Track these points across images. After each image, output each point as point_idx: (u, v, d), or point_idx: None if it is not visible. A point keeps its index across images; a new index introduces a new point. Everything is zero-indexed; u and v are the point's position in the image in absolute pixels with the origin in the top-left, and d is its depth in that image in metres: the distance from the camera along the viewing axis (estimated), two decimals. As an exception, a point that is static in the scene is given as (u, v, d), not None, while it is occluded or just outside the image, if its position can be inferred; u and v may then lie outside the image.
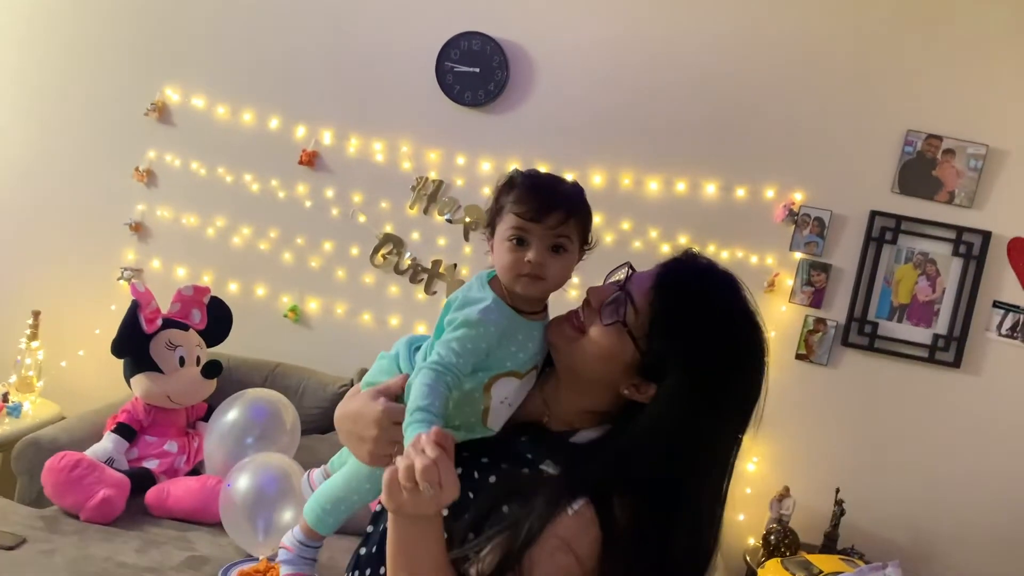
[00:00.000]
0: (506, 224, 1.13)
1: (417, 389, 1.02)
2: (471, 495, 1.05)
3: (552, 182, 1.16)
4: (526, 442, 1.12)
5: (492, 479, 1.09)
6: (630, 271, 1.14)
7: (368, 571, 1.14)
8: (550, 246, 1.12)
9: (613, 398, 1.10)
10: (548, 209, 1.11)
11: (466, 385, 1.10)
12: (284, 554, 1.29)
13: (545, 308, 1.20)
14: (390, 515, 0.99)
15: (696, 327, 1.05)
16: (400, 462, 0.92)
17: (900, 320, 3.17)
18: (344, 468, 1.25)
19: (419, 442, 0.92)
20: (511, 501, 1.02)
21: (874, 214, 3.14)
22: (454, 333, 1.09)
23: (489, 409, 1.13)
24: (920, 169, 3.12)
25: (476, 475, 1.10)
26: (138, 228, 3.48)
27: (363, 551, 1.18)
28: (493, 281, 1.16)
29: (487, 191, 3.09)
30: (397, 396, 1.11)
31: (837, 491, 3.06)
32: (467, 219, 3.32)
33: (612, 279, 1.15)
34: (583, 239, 1.17)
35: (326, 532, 1.27)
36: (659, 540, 1.01)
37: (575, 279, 1.18)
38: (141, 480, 2.75)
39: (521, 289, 1.12)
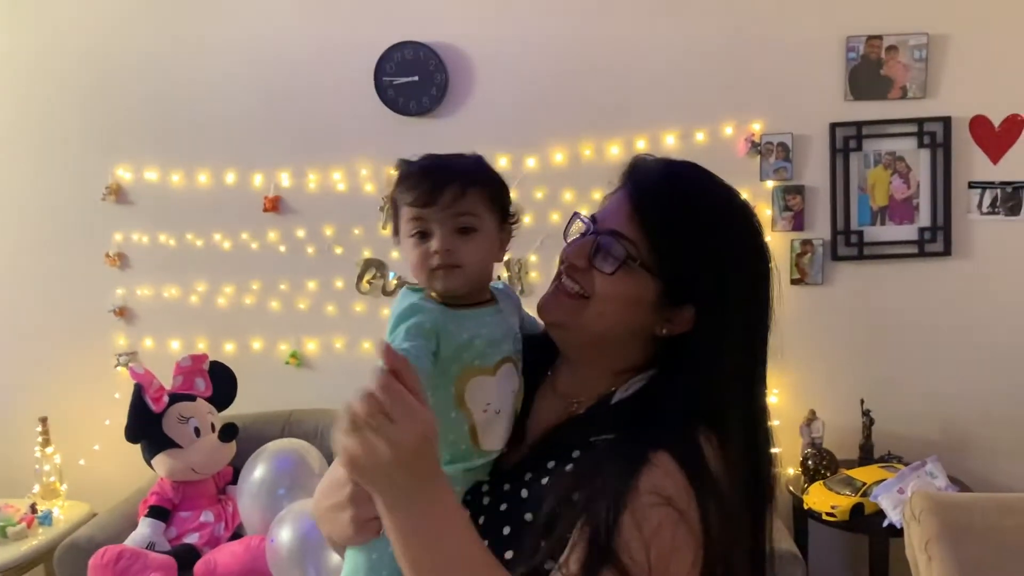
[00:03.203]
0: (404, 219, 1.01)
1: None
2: (528, 517, 0.93)
3: (441, 160, 1.04)
4: (561, 434, 1.00)
5: (544, 481, 0.95)
6: (587, 216, 1.04)
7: None
8: (454, 228, 0.99)
9: (648, 344, 1.00)
10: (440, 187, 0.98)
11: (436, 399, 0.93)
12: None
13: (493, 296, 1.07)
14: (384, 514, 0.82)
15: (697, 218, 0.97)
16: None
17: (883, 223, 3.19)
18: None
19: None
20: (577, 488, 0.89)
21: (834, 126, 3.15)
22: (394, 334, 0.94)
23: (476, 425, 0.98)
24: (868, 72, 3.13)
25: (525, 493, 0.96)
26: (123, 312, 3.46)
27: None
28: (426, 293, 1.03)
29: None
30: None
31: (862, 402, 3.09)
32: (441, 226, 3.32)
33: (573, 236, 1.05)
34: (499, 212, 1.04)
35: None
36: (747, 463, 0.94)
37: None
38: (186, 557, 2.75)
39: (440, 285, 0.99)
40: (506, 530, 0.94)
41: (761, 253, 1.01)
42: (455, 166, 1.01)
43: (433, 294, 1.01)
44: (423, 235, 0.99)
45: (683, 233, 0.96)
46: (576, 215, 1.05)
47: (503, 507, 0.97)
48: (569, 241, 1.05)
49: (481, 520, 0.97)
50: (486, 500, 0.99)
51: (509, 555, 0.90)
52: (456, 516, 0.84)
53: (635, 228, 0.96)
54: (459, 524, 0.84)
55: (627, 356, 1.01)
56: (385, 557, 0.92)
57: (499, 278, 1.09)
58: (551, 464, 0.96)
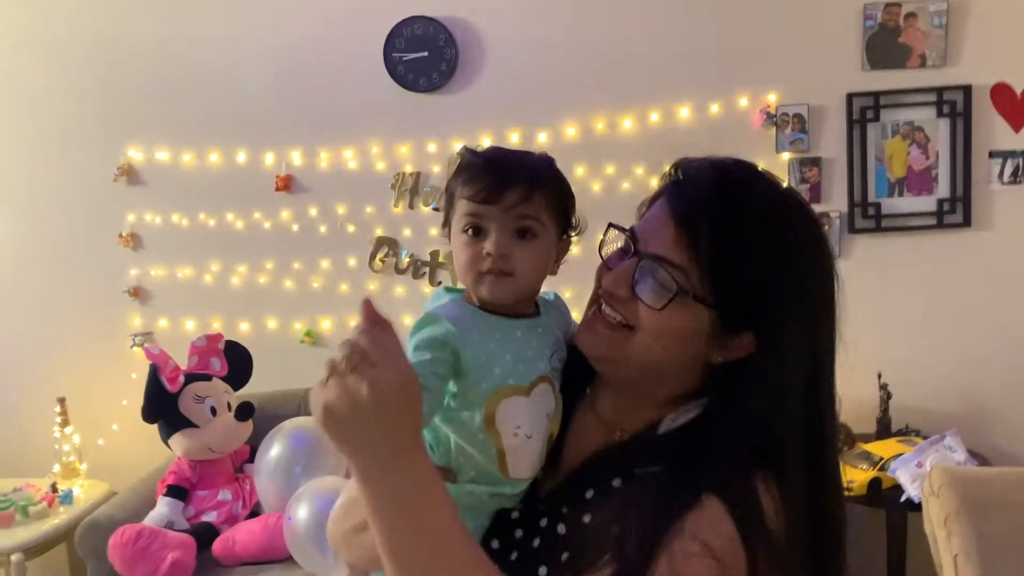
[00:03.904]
0: (459, 213, 0.93)
1: None
2: (565, 557, 0.85)
3: (509, 155, 0.96)
4: (601, 462, 0.91)
5: (587, 518, 0.86)
6: (624, 230, 0.92)
7: None
8: (514, 231, 0.91)
9: (700, 371, 0.90)
10: (505, 184, 0.90)
11: (462, 417, 0.88)
12: None
13: (537, 308, 0.99)
14: (359, 485, 0.75)
15: (755, 235, 0.84)
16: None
17: (901, 194, 3.14)
18: None
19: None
20: (615, 522, 0.82)
21: (851, 96, 3.09)
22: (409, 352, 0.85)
23: (505, 451, 0.89)
24: (886, 40, 3.07)
25: (562, 529, 0.88)
26: (137, 293, 3.47)
27: None
28: (464, 295, 0.96)
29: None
30: None
31: (879, 376, 3.05)
32: (453, 203, 3.30)
33: (609, 247, 0.95)
34: (562, 221, 0.96)
35: None
36: (808, 510, 0.83)
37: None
38: (205, 535, 2.78)
39: (487, 291, 0.92)
40: (543, 571, 0.86)
41: (827, 263, 0.90)
42: (524, 164, 0.94)
43: (474, 299, 0.94)
44: (477, 231, 0.92)
45: (740, 255, 0.84)
46: (612, 225, 0.94)
47: (536, 543, 0.89)
48: (605, 258, 0.94)
49: (513, 556, 0.89)
50: (518, 533, 0.91)
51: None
52: (437, 489, 0.76)
53: (683, 252, 0.84)
54: (439, 497, 0.76)
55: (678, 385, 0.91)
56: None
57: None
58: (590, 494, 0.88)
